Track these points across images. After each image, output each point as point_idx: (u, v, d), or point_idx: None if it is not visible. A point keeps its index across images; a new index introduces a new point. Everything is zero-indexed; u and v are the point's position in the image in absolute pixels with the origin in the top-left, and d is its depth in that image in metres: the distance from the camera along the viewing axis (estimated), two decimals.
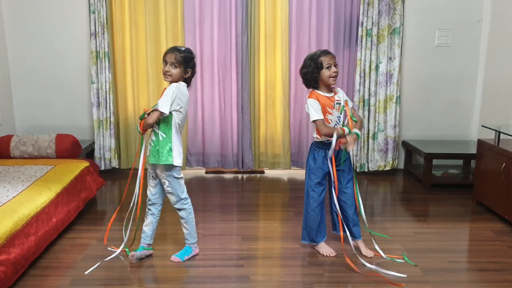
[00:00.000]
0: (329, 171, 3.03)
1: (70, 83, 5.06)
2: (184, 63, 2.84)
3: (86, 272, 2.86)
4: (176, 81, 2.87)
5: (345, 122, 3.03)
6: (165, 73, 2.85)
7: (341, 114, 3.02)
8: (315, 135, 3.05)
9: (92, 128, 5.03)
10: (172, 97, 2.79)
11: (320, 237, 3.17)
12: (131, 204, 3.08)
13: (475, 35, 5.05)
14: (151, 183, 3.04)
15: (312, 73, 2.94)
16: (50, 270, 2.93)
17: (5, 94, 4.94)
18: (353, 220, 3.12)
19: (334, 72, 2.92)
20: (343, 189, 3.07)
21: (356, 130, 2.95)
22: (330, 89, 3.01)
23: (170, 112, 2.82)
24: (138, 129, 2.89)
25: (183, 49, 2.89)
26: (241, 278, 2.87)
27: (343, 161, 3.04)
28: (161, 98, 2.82)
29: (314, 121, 2.95)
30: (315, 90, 3.00)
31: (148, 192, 3.06)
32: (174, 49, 2.87)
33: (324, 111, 2.96)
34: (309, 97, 2.98)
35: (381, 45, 4.88)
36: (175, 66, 2.83)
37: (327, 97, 2.98)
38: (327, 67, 2.91)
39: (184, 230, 3.09)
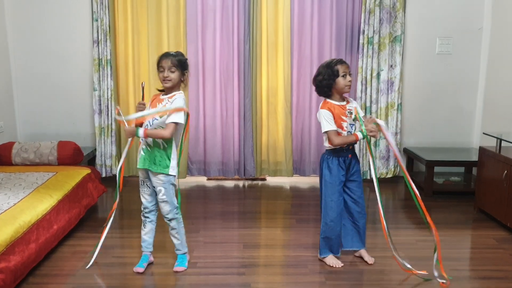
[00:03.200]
0: (345, 180, 3.04)
1: (72, 90, 5.07)
2: (180, 66, 2.88)
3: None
4: (176, 85, 2.90)
5: (358, 128, 3.03)
6: (164, 79, 2.86)
7: (354, 121, 3.02)
8: (326, 144, 3.03)
9: (94, 135, 5.04)
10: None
11: (338, 249, 3.15)
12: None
13: (476, 43, 5.06)
14: (146, 191, 3.00)
15: (328, 81, 2.94)
16: (50, 277, 2.93)
17: (7, 101, 4.95)
18: (363, 229, 3.14)
19: (349, 81, 2.94)
20: (357, 199, 3.08)
21: (377, 121, 2.93)
22: (343, 97, 3.02)
23: None
24: (140, 134, 2.81)
25: (175, 53, 2.92)
26: (242, 286, 2.86)
27: (356, 171, 3.07)
28: (173, 115, 2.81)
29: (325, 132, 2.95)
30: (328, 100, 2.99)
31: (143, 200, 3.02)
32: (167, 55, 2.89)
33: (340, 120, 2.96)
34: (321, 108, 2.98)
35: (382, 53, 4.89)
36: (172, 71, 2.85)
37: (340, 105, 2.98)
38: (343, 76, 2.93)
39: (174, 240, 3.05)
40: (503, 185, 3.73)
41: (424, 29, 5.03)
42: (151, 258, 3.11)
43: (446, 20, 5.02)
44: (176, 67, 2.85)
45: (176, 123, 2.82)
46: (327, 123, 2.93)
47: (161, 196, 2.94)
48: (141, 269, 2.99)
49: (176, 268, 3.02)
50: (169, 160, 2.89)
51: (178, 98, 2.87)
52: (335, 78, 2.93)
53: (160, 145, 2.88)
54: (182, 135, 2.94)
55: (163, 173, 2.89)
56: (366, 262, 3.14)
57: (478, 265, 3.20)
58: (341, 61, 2.98)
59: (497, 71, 4.82)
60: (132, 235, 3.43)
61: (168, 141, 2.88)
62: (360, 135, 2.91)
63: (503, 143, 3.93)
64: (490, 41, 4.93)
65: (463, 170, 5.20)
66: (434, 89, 5.15)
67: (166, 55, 2.89)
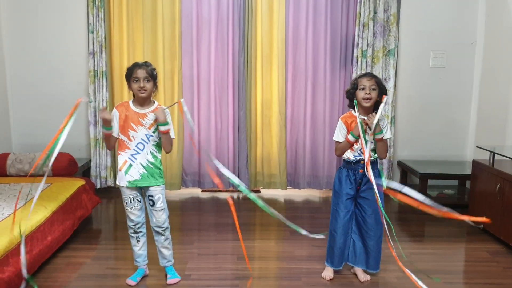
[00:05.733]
0: (355, 195, 3.01)
1: (67, 102, 5.03)
2: (153, 77, 2.85)
3: None
4: (150, 96, 2.88)
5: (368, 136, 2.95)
6: (140, 89, 2.79)
7: (373, 139, 2.96)
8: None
9: (89, 146, 5.04)
10: None
11: (339, 262, 3.10)
12: None
13: (469, 56, 5.11)
14: (136, 206, 2.92)
15: (350, 92, 2.98)
16: None
17: (3, 112, 4.95)
18: (372, 251, 3.04)
19: (366, 94, 2.88)
20: (366, 217, 3.01)
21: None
22: (366, 111, 2.96)
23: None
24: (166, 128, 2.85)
25: (146, 63, 2.87)
26: None
27: (368, 188, 2.95)
28: (171, 126, 2.91)
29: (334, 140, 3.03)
30: (352, 111, 2.99)
31: (133, 217, 2.93)
32: (141, 65, 2.83)
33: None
34: (341, 118, 3.02)
35: (376, 66, 4.94)
36: (148, 80, 2.82)
37: (361, 119, 2.95)
38: (362, 88, 2.90)
39: (165, 251, 3.01)
40: (496, 198, 3.76)
41: (418, 42, 5.09)
42: (147, 271, 3.10)
43: (440, 34, 5.08)
44: (150, 77, 2.82)
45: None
46: (336, 134, 3.01)
47: (159, 205, 2.91)
48: (133, 282, 2.96)
49: (170, 281, 3.00)
50: (161, 168, 2.96)
51: (168, 114, 2.92)
52: (354, 91, 2.95)
53: (157, 157, 2.92)
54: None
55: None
56: (358, 279, 3.10)
57: (471, 278, 3.20)
58: (365, 74, 2.96)
59: (490, 85, 4.87)
60: (126, 246, 3.41)
61: (160, 151, 2.94)
62: (350, 137, 2.91)
63: (496, 157, 3.96)
64: (483, 55, 4.99)
65: (457, 183, 5.23)
66: (427, 102, 5.19)
67: (139, 65, 2.83)
